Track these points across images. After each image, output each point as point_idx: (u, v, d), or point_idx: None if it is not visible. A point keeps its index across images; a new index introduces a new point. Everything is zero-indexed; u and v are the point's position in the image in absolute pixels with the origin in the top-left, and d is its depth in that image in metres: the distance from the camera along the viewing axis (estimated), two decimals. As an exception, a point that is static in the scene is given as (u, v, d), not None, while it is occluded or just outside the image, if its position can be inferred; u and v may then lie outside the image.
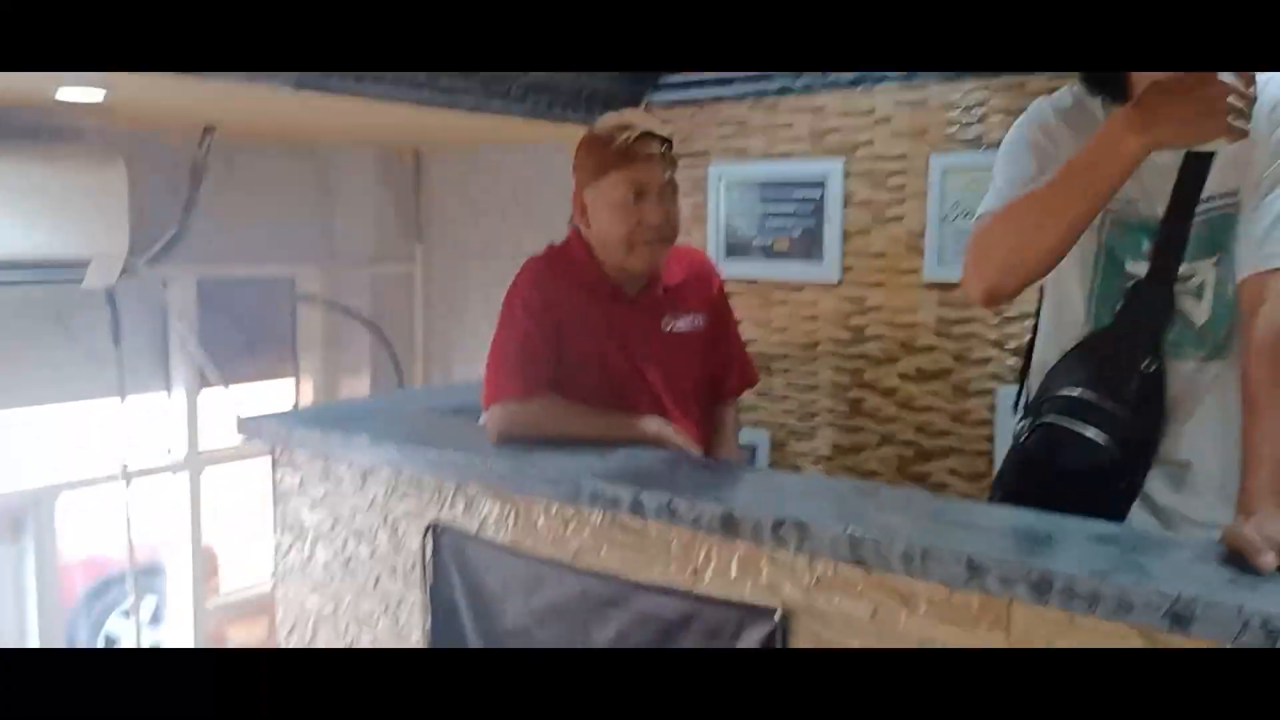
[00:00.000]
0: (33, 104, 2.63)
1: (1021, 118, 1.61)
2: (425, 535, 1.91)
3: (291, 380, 3.92)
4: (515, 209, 3.66)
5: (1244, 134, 1.30)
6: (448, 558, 1.89)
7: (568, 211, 3.52)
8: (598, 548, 1.68)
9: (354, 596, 2.08)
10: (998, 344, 2.44)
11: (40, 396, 3.16)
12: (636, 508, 1.58)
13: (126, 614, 4.58)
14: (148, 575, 4.61)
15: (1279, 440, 1.32)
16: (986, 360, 2.46)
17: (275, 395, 3.87)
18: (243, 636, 3.93)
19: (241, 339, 3.70)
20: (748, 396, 2.35)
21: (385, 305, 3.83)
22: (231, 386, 3.40)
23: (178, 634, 3.62)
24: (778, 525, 1.42)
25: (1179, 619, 1.11)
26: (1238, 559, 1.20)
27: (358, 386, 3.79)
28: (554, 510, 1.73)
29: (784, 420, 2.79)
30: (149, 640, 4.64)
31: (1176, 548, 1.32)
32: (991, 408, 2.44)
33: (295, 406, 3.75)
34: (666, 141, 1.93)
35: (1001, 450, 2.41)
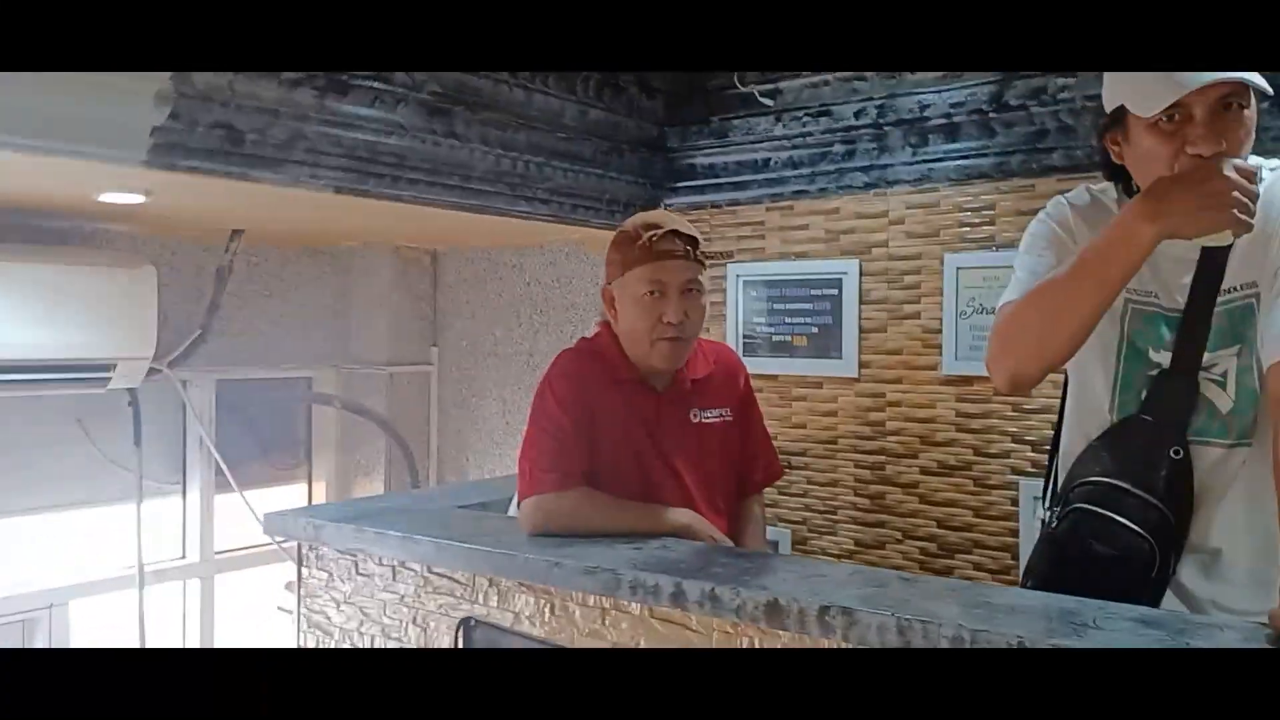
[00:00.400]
0: (72, 208, 2.71)
1: (1040, 213, 1.68)
2: (457, 630, 1.90)
3: (304, 483, 3.92)
4: (529, 310, 3.73)
5: (1248, 227, 1.36)
6: (480, 654, 1.88)
7: (581, 313, 3.61)
8: (635, 640, 1.68)
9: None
10: (1017, 437, 2.47)
11: (58, 500, 3.16)
12: (677, 597, 1.58)
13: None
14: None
15: None
16: (1007, 453, 2.48)
17: (289, 497, 3.86)
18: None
19: (257, 440, 3.72)
20: (768, 493, 2.37)
21: (400, 406, 3.86)
22: (246, 489, 3.40)
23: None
24: (824, 611, 1.43)
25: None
26: (1284, 640, 1.21)
27: (371, 487, 3.79)
28: (590, 602, 1.73)
29: (805, 516, 2.80)
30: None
31: (1222, 631, 1.32)
32: (1014, 500, 2.46)
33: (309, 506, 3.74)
34: (692, 240, 1.99)
35: (1026, 543, 2.42)
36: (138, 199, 2.45)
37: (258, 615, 3.98)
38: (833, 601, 1.43)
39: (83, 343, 2.80)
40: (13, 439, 2.28)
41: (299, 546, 2.25)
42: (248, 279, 3.52)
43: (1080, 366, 1.69)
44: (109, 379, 2.92)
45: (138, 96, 1.88)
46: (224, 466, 3.32)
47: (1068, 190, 1.68)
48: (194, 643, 3.43)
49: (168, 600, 3.39)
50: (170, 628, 3.41)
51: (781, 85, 2.79)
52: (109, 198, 2.46)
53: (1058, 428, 1.76)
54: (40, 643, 3.09)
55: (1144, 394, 1.59)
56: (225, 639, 3.51)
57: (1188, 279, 1.56)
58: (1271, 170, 1.52)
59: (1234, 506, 1.57)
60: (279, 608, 4.24)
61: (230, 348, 3.45)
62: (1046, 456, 2.36)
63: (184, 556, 3.43)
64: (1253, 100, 1.40)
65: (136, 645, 3.23)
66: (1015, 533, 2.45)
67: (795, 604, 1.46)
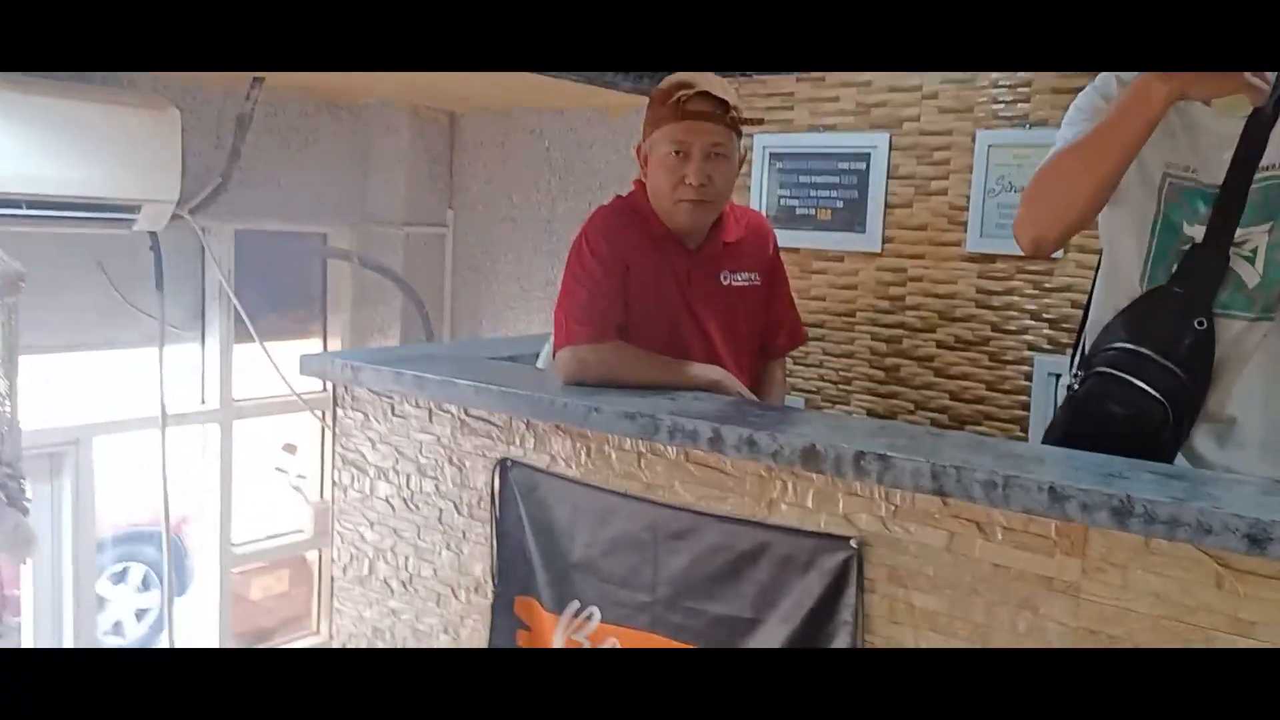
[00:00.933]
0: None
1: (1088, 85, 1.70)
2: (494, 469, 1.98)
3: (319, 338, 3.97)
4: (548, 174, 3.72)
5: (1264, 93, 1.41)
6: (515, 492, 1.96)
7: (602, 179, 3.60)
8: (670, 483, 1.75)
9: (415, 531, 2.15)
10: (1036, 314, 2.53)
11: (80, 340, 3.20)
12: (715, 442, 1.64)
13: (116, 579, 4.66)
14: (142, 541, 4.68)
15: None
16: (1024, 330, 2.54)
17: (304, 351, 3.91)
18: (265, 585, 3.99)
19: (273, 293, 3.75)
20: (783, 362, 2.43)
21: (415, 266, 3.88)
22: (267, 340, 3.44)
23: (203, 585, 3.67)
24: (859, 456, 1.49)
25: (1256, 541, 1.19)
26: (1302, 495, 1.29)
27: (386, 344, 3.84)
28: (627, 445, 1.80)
29: (819, 386, 2.87)
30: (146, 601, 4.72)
31: (1242, 484, 1.40)
32: (1028, 375, 2.53)
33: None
34: (723, 104, 1.98)
35: (1036, 417, 2.50)
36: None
37: (269, 462, 4.10)
38: (868, 448, 1.50)
39: (110, 181, 2.80)
40: (35, 276, 2.29)
41: (334, 388, 2.31)
42: (266, 130, 3.49)
43: (1113, 240, 1.74)
44: (134, 220, 2.92)
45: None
46: (244, 315, 3.36)
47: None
48: (212, 485, 3.53)
49: (187, 442, 3.47)
50: (189, 468, 3.50)
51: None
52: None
53: (1088, 301, 1.82)
54: (67, 476, 3.18)
55: (1175, 267, 1.64)
56: (240, 483, 3.61)
57: (1228, 155, 1.59)
58: None
59: (1252, 378, 1.64)
60: (276, 468, 4.35)
61: (248, 199, 3.44)
62: (1064, 334, 2.44)
63: (203, 403, 3.49)
64: None
65: (158, 481, 3.32)
66: (1026, 406, 2.53)
67: (832, 449, 1.52)
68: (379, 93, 3.68)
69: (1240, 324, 1.63)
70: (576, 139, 3.62)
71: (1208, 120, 1.60)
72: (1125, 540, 1.31)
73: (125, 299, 3.22)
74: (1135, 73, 1.65)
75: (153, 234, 3.14)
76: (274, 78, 3.21)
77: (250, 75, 3.14)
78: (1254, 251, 1.62)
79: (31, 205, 2.67)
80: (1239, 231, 1.62)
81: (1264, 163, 1.59)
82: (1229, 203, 1.61)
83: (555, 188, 3.70)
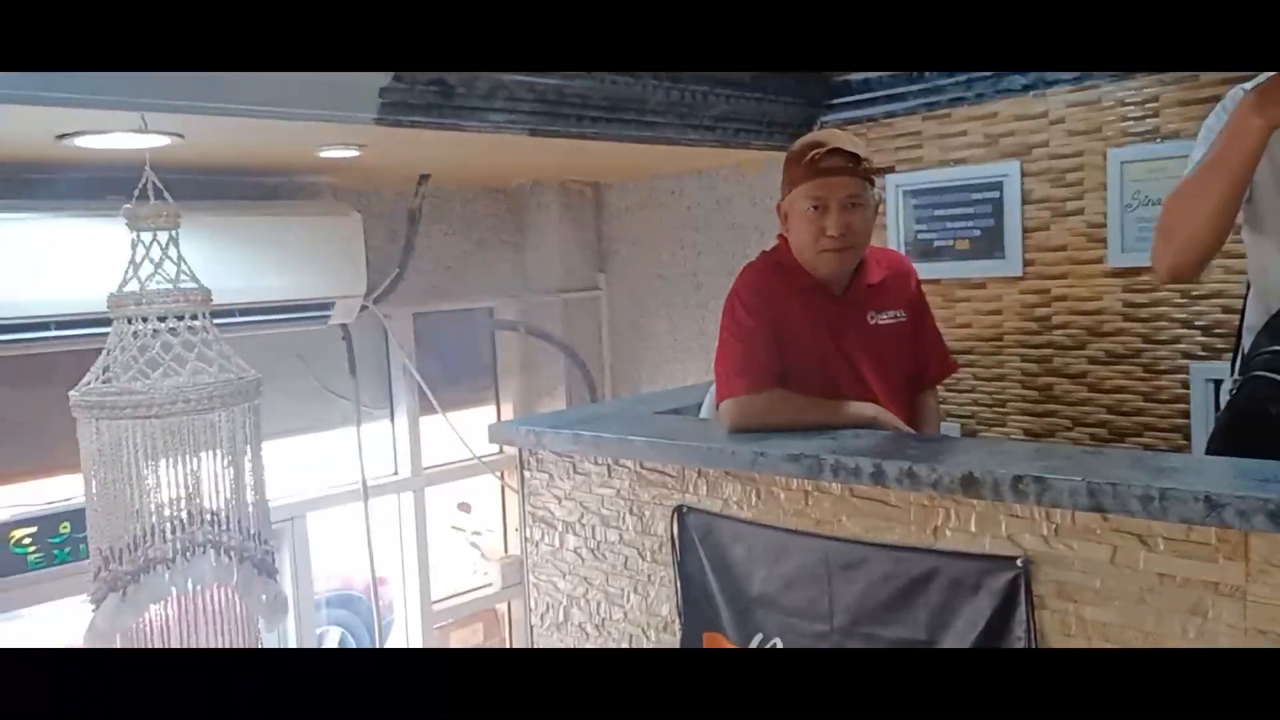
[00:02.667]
0: (292, 164, 3.04)
1: (1218, 104, 1.77)
2: (672, 516, 2.15)
3: (493, 405, 4.27)
4: (690, 233, 3.92)
5: None
6: (693, 536, 2.12)
7: (741, 233, 3.78)
8: (837, 518, 1.88)
9: (604, 578, 2.33)
10: (1187, 323, 2.54)
11: (288, 426, 3.57)
12: (878, 476, 1.77)
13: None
14: (336, 605, 5.06)
15: None
16: (1177, 339, 2.55)
17: (481, 419, 4.21)
18: (463, 638, 4.29)
19: (450, 367, 4.07)
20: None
21: (574, 330, 4.14)
22: (446, 411, 3.75)
23: (403, 642, 3.97)
24: (1017, 480, 1.59)
25: None
26: None
27: (553, 406, 4.10)
28: (794, 485, 1.94)
29: (974, 410, 2.94)
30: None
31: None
32: (1185, 384, 2.53)
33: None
34: (854, 157, 2.11)
35: (1197, 425, 2.50)
36: (353, 153, 2.75)
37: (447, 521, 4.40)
38: (1025, 472, 1.60)
39: (303, 285, 3.15)
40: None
41: (520, 452, 2.54)
42: (433, 219, 3.83)
43: (1257, 245, 1.79)
44: (329, 316, 3.28)
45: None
46: (427, 390, 3.67)
47: (1233, 81, 1.76)
48: (410, 546, 3.84)
49: (385, 511, 3.80)
50: (389, 533, 3.82)
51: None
52: (329, 154, 2.77)
53: (1243, 306, 1.86)
54: (287, 551, 3.53)
55: None
56: (435, 542, 3.91)
57: None
58: None
59: None
60: (452, 526, 4.67)
61: (423, 284, 3.78)
62: (1219, 339, 2.45)
63: (396, 473, 3.82)
64: None
65: (364, 550, 3.65)
66: (1186, 414, 2.53)
67: (990, 475, 1.63)
68: (530, 174, 3.98)
69: None
70: (715, 196, 3.81)
71: None
72: (1286, 542, 1.37)
73: (325, 386, 3.58)
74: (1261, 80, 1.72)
75: (344, 325, 3.49)
76: (437, 173, 3.54)
77: (418, 174, 3.48)
78: None
79: (243, 314, 3.04)
80: None
81: None
82: None
83: (699, 243, 3.89)
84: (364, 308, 3.40)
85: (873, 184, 2.15)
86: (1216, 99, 1.78)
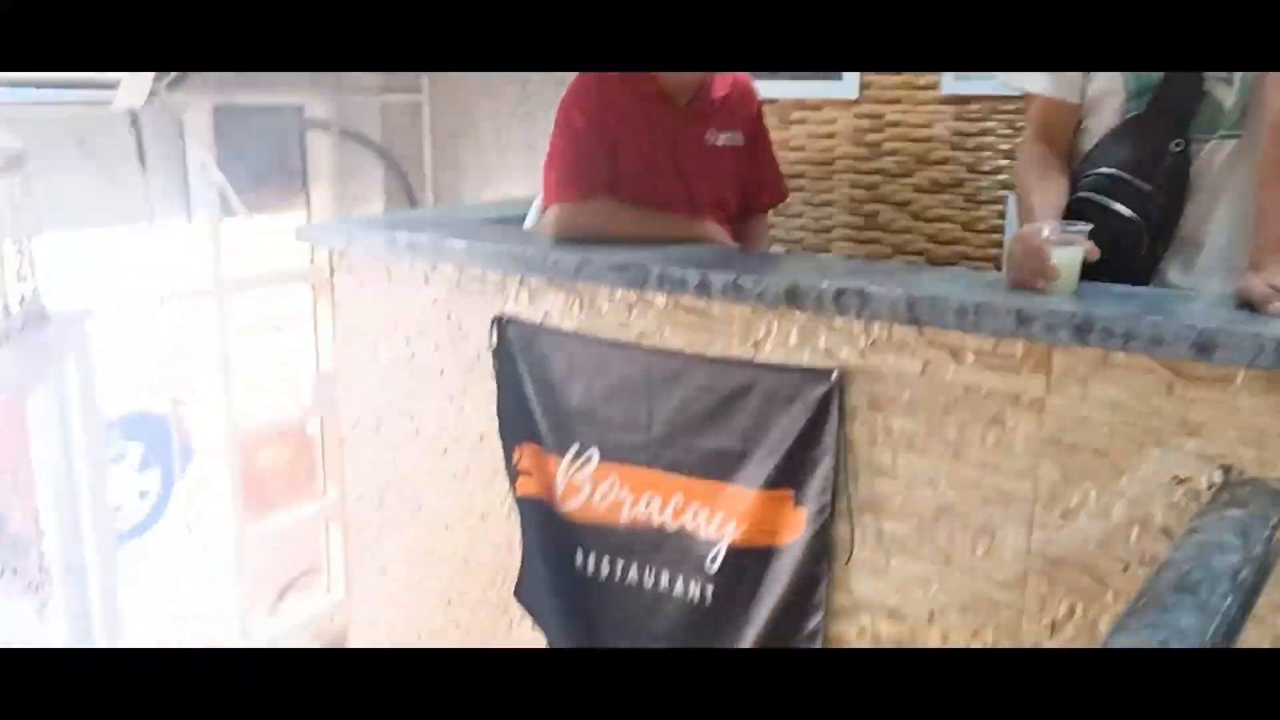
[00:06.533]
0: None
1: None
2: (491, 326, 2.06)
3: (303, 211, 3.98)
4: (522, 36, 3.67)
5: None
6: (513, 347, 2.05)
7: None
8: (661, 330, 1.84)
9: (418, 388, 2.24)
10: (1009, 154, 2.58)
11: (67, 220, 3.21)
12: (703, 287, 1.73)
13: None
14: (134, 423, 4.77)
15: None
16: (998, 170, 2.60)
17: (290, 225, 3.93)
18: (269, 457, 4.12)
19: (254, 169, 3.74)
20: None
21: (393, 135, 3.86)
22: (250, 214, 3.47)
23: (211, 459, 3.79)
24: (840, 293, 1.59)
25: (1204, 349, 1.30)
26: (1248, 306, 1.39)
27: (370, 213, 3.86)
28: (618, 296, 1.89)
29: (799, 235, 2.94)
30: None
31: (1192, 300, 1.51)
32: (1001, 215, 2.60)
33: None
34: None
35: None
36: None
37: (262, 332, 4.17)
38: (848, 285, 1.59)
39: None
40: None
41: (330, 256, 2.37)
42: (233, -1, 3.42)
43: (1094, 79, 1.79)
44: (105, 99, 2.91)
45: None
46: (230, 191, 3.37)
47: None
48: (210, 362, 3.61)
49: (183, 319, 3.53)
50: (188, 343, 3.57)
51: None
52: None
53: None
54: (69, 358, 3.24)
55: (1155, 93, 1.70)
56: (238, 353, 3.68)
57: None
58: None
59: (1220, 200, 1.71)
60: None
61: (224, 73, 3.40)
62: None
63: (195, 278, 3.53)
64: None
65: (158, 356, 3.40)
66: (1000, 245, 2.61)
67: (814, 287, 1.61)
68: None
69: (1211, 143, 1.70)
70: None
71: None
72: (1086, 355, 1.42)
73: (110, 177, 3.22)
74: None
75: (131, 111, 3.11)
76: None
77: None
78: (1230, 74, 1.67)
79: (6, 85, 2.65)
80: None
81: None
82: None
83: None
84: (154, 94, 3.03)
85: None
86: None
